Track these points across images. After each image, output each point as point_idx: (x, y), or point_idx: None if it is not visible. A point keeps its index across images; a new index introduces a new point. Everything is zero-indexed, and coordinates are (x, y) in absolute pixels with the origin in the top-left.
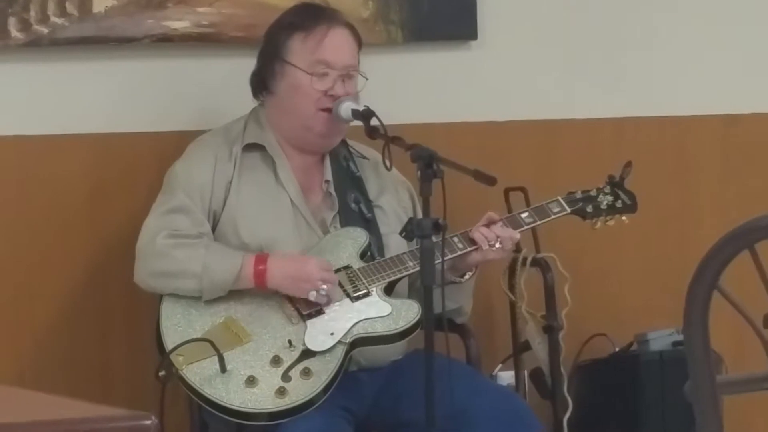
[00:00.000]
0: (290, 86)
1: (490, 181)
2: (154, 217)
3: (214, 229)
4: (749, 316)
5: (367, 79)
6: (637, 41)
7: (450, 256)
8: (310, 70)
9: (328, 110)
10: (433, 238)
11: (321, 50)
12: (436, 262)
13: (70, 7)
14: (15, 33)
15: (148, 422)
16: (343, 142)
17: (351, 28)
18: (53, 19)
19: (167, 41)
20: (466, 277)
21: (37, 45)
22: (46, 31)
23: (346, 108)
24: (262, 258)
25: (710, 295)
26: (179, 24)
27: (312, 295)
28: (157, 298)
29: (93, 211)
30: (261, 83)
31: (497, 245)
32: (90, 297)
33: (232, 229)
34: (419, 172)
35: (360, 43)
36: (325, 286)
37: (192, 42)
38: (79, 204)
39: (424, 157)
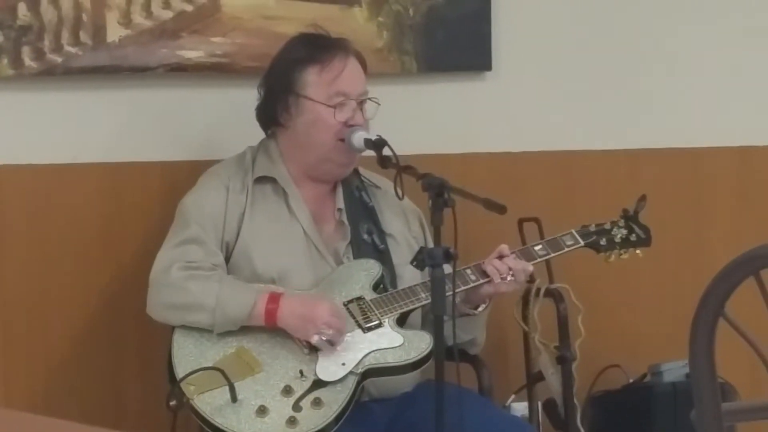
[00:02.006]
0: (309, 120)
1: (501, 209)
2: (167, 248)
3: (227, 260)
4: (755, 342)
5: (379, 104)
6: (653, 73)
7: (462, 288)
8: (331, 102)
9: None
10: (445, 267)
11: (339, 82)
12: (448, 293)
13: (84, 37)
14: (29, 62)
15: None
16: (356, 172)
17: (359, 54)
18: (67, 48)
19: (181, 71)
20: (480, 309)
21: (50, 74)
22: (59, 60)
23: (358, 138)
24: (274, 297)
25: (715, 322)
26: (193, 53)
27: (314, 339)
28: (170, 328)
29: (105, 239)
30: (271, 118)
31: (509, 278)
32: (103, 326)
33: (246, 260)
34: (430, 201)
35: (366, 69)
36: (330, 331)
37: (205, 71)
38: (91, 233)
39: (435, 185)
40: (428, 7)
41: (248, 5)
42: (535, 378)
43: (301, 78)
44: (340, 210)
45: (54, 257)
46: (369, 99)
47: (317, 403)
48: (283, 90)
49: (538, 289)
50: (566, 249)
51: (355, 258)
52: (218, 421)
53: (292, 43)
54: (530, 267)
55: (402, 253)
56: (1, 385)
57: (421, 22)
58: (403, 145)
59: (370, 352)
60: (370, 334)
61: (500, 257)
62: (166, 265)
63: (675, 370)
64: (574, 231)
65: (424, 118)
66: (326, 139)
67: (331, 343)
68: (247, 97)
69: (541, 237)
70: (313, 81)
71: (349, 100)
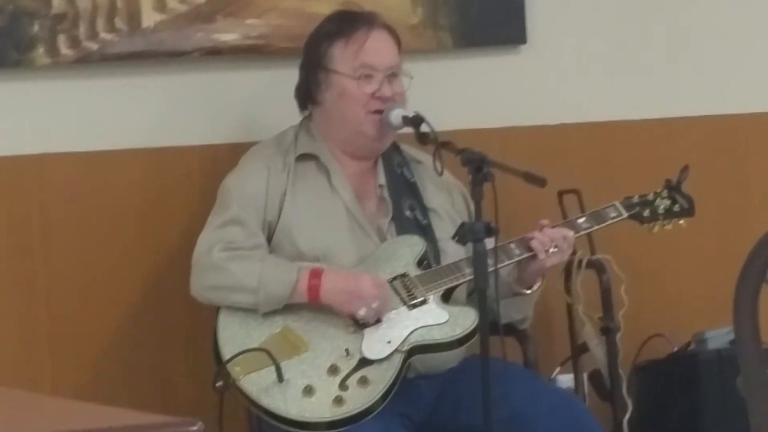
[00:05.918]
0: (337, 94)
1: (541, 182)
2: (209, 230)
3: (270, 239)
4: None
5: (412, 78)
6: (687, 40)
7: (507, 262)
8: (355, 74)
9: (379, 112)
10: (486, 242)
11: (363, 54)
12: (491, 269)
13: (119, 23)
14: (65, 50)
15: (194, 428)
16: (396, 148)
17: (389, 28)
18: (102, 35)
19: (216, 54)
20: (534, 288)
21: (86, 61)
22: (95, 47)
23: (396, 115)
24: (316, 272)
25: (759, 288)
26: (228, 36)
27: (362, 312)
28: (215, 309)
29: (148, 224)
30: (306, 95)
31: (552, 249)
32: (148, 310)
33: (288, 239)
34: (470, 176)
35: (399, 43)
36: (376, 304)
37: (241, 54)
38: (133, 218)
39: (474, 160)
40: None
41: None
42: (579, 349)
43: (329, 52)
44: (381, 186)
45: (98, 243)
46: (399, 73)
47: (363, 381)
48: (314, 66)
49: (581, 261)
50: (610, 221)
51: (398, 234)
52: (265, 401)
53: (323, 21)
54: (570, 233)
55: (445, 228)
56: (49, 373)
57: None
58: (441, 120)
59: (415, 329)
60: (415, 311)
61: (540, 229)
62: (208, 246)
63: (719, 337)
64: (617, 203)
65: (460, 93)
66: (355, 111)
67: (378, 316)
68: (284, 77)
69: (582, 209)
70: (339, 54)
71: (376, 72)
